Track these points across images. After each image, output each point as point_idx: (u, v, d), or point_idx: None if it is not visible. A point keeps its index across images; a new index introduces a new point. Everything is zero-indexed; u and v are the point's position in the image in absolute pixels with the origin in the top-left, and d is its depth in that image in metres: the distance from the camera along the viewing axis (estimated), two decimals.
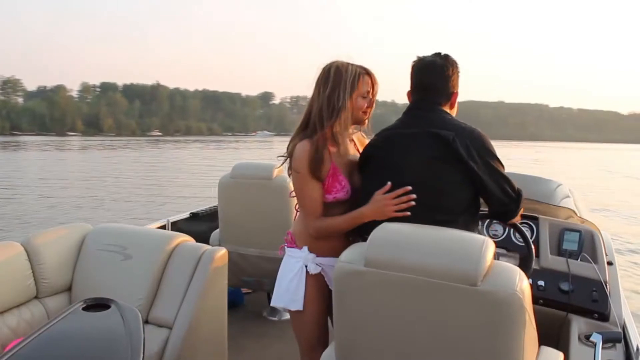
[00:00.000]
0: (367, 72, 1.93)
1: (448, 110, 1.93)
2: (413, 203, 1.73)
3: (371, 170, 1.93)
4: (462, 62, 1.93)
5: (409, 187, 1.75)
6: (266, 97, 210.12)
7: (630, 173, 31.71)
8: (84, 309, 1.53)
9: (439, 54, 1.95)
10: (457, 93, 1.96)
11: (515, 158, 40.37)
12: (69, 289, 2.45)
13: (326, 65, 1.92)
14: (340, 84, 1.87)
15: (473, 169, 1.73)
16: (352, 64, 1.91)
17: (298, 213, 2.06)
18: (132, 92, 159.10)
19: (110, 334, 1.42)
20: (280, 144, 2.10)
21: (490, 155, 1.80)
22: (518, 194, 1.86)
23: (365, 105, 1.94)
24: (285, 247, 2.09)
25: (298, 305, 1.98)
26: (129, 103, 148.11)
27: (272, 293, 1.99)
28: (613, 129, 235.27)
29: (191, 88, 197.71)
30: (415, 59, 1.96)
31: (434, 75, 1.92)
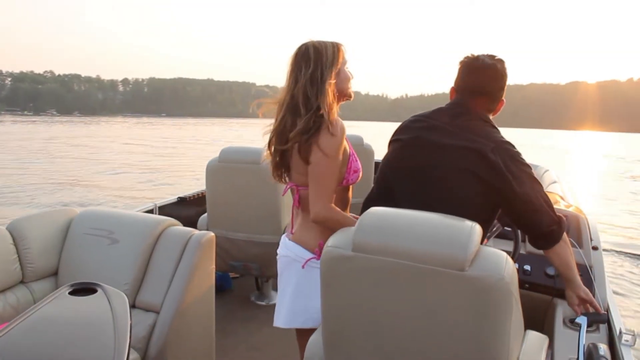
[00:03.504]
0: (340, 45, 1.85)
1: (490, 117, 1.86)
2: None
3: (394, 166, 1.87)
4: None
5: None
6: None
7: None
8: (70, 293, 1.50)
9: (495, 56, 1.85)
10: (503, 101, 1.89)
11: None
12: (55, 273, 2.43)
13: (301, 46, 1.82)
14: (325, 59, 1.78)
15: (510, 184, 1.66)
16: (325, 41, 1.83)
17: (300, 218, 1.93)
18: None
19: (96, 318, 1.40)
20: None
21: (528, 171, 1.72)
22: (559, 217, 1.78)
23: (350, 75, 1.88)
24: (314, 259, 1.86)
25: None
26: None
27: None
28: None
29: None
30: (469, 55, 1.87)
31: (493, 81, 1.83)
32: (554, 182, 3.86)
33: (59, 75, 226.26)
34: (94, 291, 1.52)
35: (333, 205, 1.80)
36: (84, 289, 1.53)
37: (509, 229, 2.36)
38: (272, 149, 1.89)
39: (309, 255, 1.86)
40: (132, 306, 2.25)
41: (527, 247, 2.47)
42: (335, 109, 1.81)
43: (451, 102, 1.89)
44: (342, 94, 1.87)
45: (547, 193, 3.00)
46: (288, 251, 1.92)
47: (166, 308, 2.23)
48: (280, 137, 1.84)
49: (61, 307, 1.44)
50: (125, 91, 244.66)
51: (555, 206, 2.79)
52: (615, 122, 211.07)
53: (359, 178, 1.88)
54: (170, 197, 4.10)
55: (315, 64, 1.77)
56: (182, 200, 4.14)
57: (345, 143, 1.82)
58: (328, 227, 1.76)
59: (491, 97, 1.84)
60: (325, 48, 1.80)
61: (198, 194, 4.29)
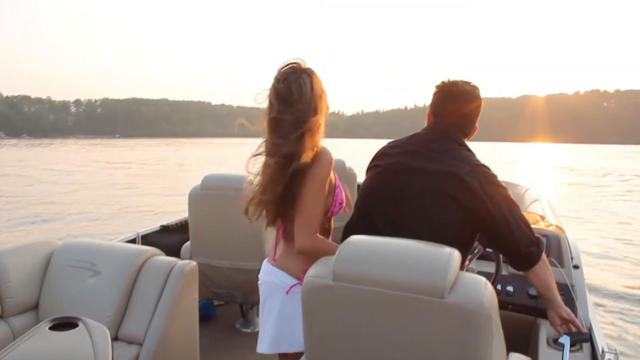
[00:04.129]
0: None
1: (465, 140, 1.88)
2: None
3: (374, 192, 1.88)
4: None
5: None
6: None
7: None
8: (50, 328, 1.48)
9: (470, 83, 1.90)
10: (477, 127, 1.93)
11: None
12: (35, 307, 2.40)
13: (292, 74, 1.73)
14: (316, 90, 1.73)
15: (487, 207, 1.67)
16: (312, 70, 1.77)
17: (283, 245, 1.91)
18: None
19: (77, 354, 1.38)
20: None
21: (505, 193, 1.73)
22: (537, 237, 1.78)
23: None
24: (299, 286, 1.79)
25: None
26: None
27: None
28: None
29: None
30: (446, 81, 1.91)
31: (470, 107, 1.87)
32: (535, 200, 3.86)
33: (7, 97, 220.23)
34: (74, 325, 1.51)
35: (318, 235, 1.79)
36: (64, 324, 1.51)
37: (491, 250, 2.36)
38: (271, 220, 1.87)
39: (293, 281, 1.85)
40: (115, 338, 2.24)
41: (509, 269, 2.47)
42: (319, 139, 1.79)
43: (427, 126, 1.92)
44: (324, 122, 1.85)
45: (527, 213, 2.93)
46: (272, 277, 1.91)
47: (149, 340, 2.21)
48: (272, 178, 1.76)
49: (41, 344, 1.42)
50: (78, 112, 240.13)
51: (535, 226, 2.77)
52: (564, 133, 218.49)
53: (342, 209, 1.88)
54: (153, 226, 4.07)
55: (308, 93, 1.72)
56: (165, 228, 4.11)
57: (331, 174, 1.80)
58: (314, 256, 1.70)
59: (467, 122, 1.88)
60: (315, 77, 1.76)
61: (181, 222, 4.25)
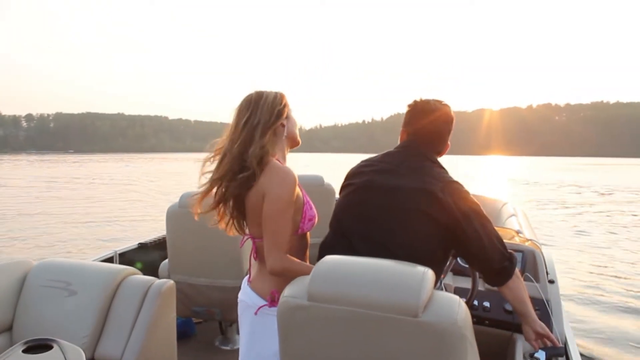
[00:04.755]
0: (282, 93, 1.90)
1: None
2: None
3: (348, 210, 1.88)
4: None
5: None
6: None
7: None
8: (24, 351, 1.48)
9: (442, 101, 1.95)
10: (449, 144, 1.97)
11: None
12: (9, 328, 2.35)
13: (253, 94, 1.86)
14: (264, 103, 1.82)
15: (459, 223, 1.70)
16: (268, 91, 1.88)
17: (257, 266, 1.93)
18: None
19: None
20: None
21: (477, 209, 1.75)
22: (510, 253, 1.81)
23: (296, 121, 1.94)
24: (266, 307, 1.85)
25: None
26: None
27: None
28: None
29: None
30: (419, 100, 1.96)
31: (443, 125, 1.92)
32: (512, 215, 3.85)
33: None
34: (49, 347, 1.49)
35: (288, 256, 1.79)
36: (39, 346, 1.50)
37: (466, 265, 2.37)
38: (221, 196, 1.86)
39: (261, 302, 1.86)
40: (92, 359, 2.21)
41: (485, 284, 2.49)
42: (281, 156, 1.88)
43: (400, 144, 1.95)
44: (291, 140, 1.93)
45: (503, 228, 3.00)
46: (245, 296, 1.93)
47: None
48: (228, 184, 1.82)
49: None
50: (30, 127, 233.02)
51: (511, 241, 2.82)
52: (518, 146, 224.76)
53: (314, 225, 1.89)
54: (131, 244, 4.04)
55: (254, 109, 1.81)
56: (142, 246, 4.08)
57: (298, 190, 1.81)
58: (286, 278, 1.73)
59: (439, 139, 1.92)
60: (267, 97, 1.84)
61: (159, 239, 4.23)
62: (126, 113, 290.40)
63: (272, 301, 1.83)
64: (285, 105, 1.88)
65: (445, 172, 1.84)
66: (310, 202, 1.89)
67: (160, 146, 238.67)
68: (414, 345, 1.29)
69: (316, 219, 1.89)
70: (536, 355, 1.85)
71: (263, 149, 1.76)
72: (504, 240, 2.29)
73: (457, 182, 1.79)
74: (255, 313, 1.86)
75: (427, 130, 1.90)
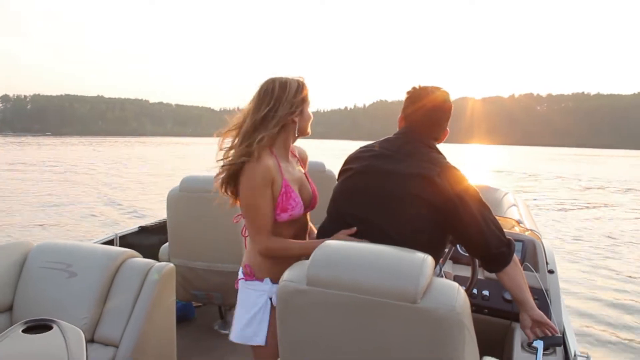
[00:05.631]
0: (304, 82, 1.92)
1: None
2: None
3: (346, 194, 1.88)
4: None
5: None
6: None
7: None
8: (24, 330, 1.49)
9: (440, 88, 1.93)
10: (448, 130, 1.97)
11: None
12: (10, 309, 2.35)
13: (268, 81, 1.89)
14: (286, 98, 1.84)
15: (456, 208, 1.70)
16: (292, 78, 1.90)
17: (248, 245, 2.00)
18: None
19: (50, 357, 1.39)
20: None
21: (474, 194, 1.75)
22: (508, 239, 1.80)
23: (311, 115, 1.96)
24: (242, 280, 1.97)
25: (261, 340, 1.91)
26: None
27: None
28: (207, 123, 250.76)
29: None
30: (417, 86, 1.94)
31: (440, 111, 1.91)
32: (513, 205, 3.82)
33: None
34: (49, 328, 1.51)
35: (271, 236, 1.86)
36: (39, 326, 1.51)
37: (466, 253, 2.34)
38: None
39: (241, 275, 1.99)
40: (91, 341, 2.23)
41: (485, 273, 2.50)
42: (281, 146, 1.94)
43: (399, 131, 1.95)
44: (302, 132, 1.96)
45: (504, 218, 2.99)
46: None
47: (125, 342, 2.19)
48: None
49: (14, 346, 1.42)
50: (6, 108, 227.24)
51: (511, 231, 2.80)
52: (500, 135, 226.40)
53: (293, 216, 1.91)
54: (132, 227, 4.06)
55: (275, 103, 1.84)
56: (143, 230, 4.09)
57: (270, 184, 1.84)
58: (278, 257, 1.87)
59: (438, 125, 1.92)
60: (289, 90, 1.86)
61: (159, 223, 4.22)
62: (106, 96, 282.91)
63: (246, 274, 1.94)
64: (303, 100, 1.90)
65: (443, 157, 1.84)
66: (292, 192, 1.90)
67: (140, 130, 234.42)
68: (412, 331, 1.29)
69: (299, 209, 1.91)
70: (534, 344, 1.83)
71: (261, 141, 1.82)
72: (505, 230, 2.24)
73: (454, 167, 1.78)
74: (236, 287, 1.98)
75: (425, 116, 1.90)
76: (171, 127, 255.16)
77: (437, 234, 1.74)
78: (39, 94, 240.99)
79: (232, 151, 1.86)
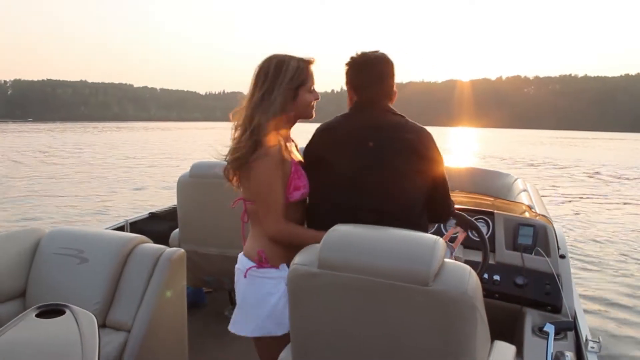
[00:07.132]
0: (310, 62, 1.84)
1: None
2: None
3: (326, 175, 1.85)
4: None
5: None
6: None
7: None
8: (37, 315, 1.51)
9: (377, 51, 1.90)
10: (396, 91, 1.95)
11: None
12: (22, 294, 2.37)
13: (265, 60, 1.81)
14: (282, 79, 1.76)
15: (432, 167, 1.76)
16: (292, 57, 1.81)
17: (250, 232, 1.94)
18: None
19: (63, 341, 1.40)
20: None
21: (440, 157, 1.81)
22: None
23: (313, 98, 1.87)
24: (254, 268, 1.85)
25: (286, 329, 1.73)
26: None
27: (234, 292, 2.01)
28: (192, 107, 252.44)
29: None
30: (354, 55, 1.89)
31: (385, 70, 1.87)
32: (523, 190, 3.82)
33: None
34: (61, 312, 1.52)
35: (284, 219, 1.80)
36: (51, 311, 1.52)
37: (477, 238, 2.32)
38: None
39: (250, 264, 1.87)
40: (103, 325, 2.23)
41: (496, 258, 2.53)
42: (283, 129, 1.86)
43: (354, 105, 1.90)
44: (302, 116, 1.89)
45: (515, 202, 3.28)
46: (238, 264, 1.94)
47: (137, 327, 2.21)
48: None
49: (27, 331, 1.44)
50: None
51: (522, 216, 2.94)
52: (488, 117, 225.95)
53: (304, 195, 1.86)
54: (142, 213, 4.05)
55: (271, 82, 1.77)
56: (153, 216, 4.08)
57: (283, 162, 1.79)
58: (290, 243, 1.78)
59: (386, 85, 1.87)
60: (286, 69, 1.78)
61: (170, 209, 4.19)
62: (89, 80, 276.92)
63: (260, 262, 1.83)
64: (303, 82, 1.81)
65: (405, 119, 1.83)
66: (300, 171, 1.85)
67: (123, 115, 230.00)
68: (423, 314, 1.29)
69: (307, 188, 1.86)
70: (545, 329, 1.85)
71: (264, 129, 1.76)
72: (516, 215, 2.48)
73: (423, 129, 1.80)
74: (245, 276, 1.86)
75: (371, 80, 1.85)
76: (155, 112, 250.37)
77: (422, 197, 1.78)
78: (19, 79, 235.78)
79: (238, 136, 1.79)
